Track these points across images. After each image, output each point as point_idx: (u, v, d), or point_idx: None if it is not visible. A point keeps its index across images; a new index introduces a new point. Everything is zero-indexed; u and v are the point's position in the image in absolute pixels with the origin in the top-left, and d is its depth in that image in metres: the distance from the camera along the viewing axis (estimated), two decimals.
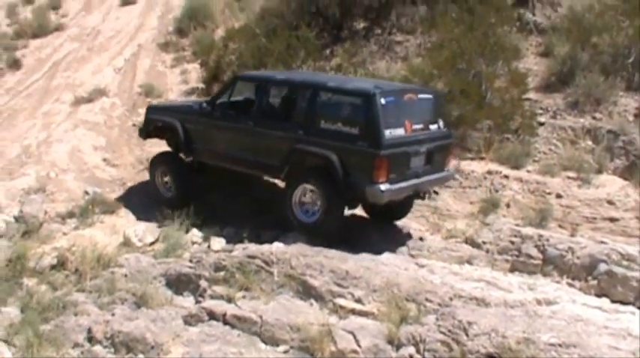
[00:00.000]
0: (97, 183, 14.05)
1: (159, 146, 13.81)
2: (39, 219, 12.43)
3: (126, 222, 12.54)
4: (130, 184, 14.11)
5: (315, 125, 10.93)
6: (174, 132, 12.76)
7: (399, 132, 10.50)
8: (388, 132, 10.23)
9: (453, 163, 12.26)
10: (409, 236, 11.57)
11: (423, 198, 12.09)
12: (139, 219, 12.69)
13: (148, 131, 13.55)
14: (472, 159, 13.34)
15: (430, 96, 11.68)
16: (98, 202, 12.96)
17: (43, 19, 23.47)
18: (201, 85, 17.80)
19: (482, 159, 13.28)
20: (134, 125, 16.05)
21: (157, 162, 13.30)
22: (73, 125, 16.41)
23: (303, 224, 10.98)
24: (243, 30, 18.15)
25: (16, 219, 12.38)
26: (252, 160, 11.85)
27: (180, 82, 18.41)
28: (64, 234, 11.98)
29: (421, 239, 11.41)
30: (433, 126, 11.25)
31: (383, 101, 10.30)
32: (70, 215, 12.80)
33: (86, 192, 13.64)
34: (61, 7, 24.75)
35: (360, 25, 18.22)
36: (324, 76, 13.29)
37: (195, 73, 18.54)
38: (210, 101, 12.52)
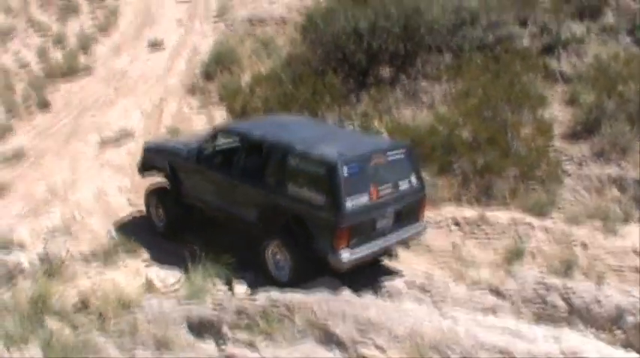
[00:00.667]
0: (122, 225, 14.10)
1: None
2: (62, 259, 12.42)
3: (149, 265, 12.56)
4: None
5: (284, 188, 11.16)
6: (165, 173, 13.46)
7: (363, 199, 10.64)
8: (350, 203, 10.41)
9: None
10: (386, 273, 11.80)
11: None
12: (162, 261, 12.66)
13: (144, 168, 14.15)
14: (497, 207, 13.23)
15: (402, 151, 11.58)
16: (122, 244, 13.01)
17: (73, 60, 23.77)
18: None
19: (507, 207, 13.18)
20: None
21: (151, 195, 13.81)
22: (99, 166, 16.64)
23: (275, 280, 11.19)
24: (269, 75, 18.34)
25: (40, 258, 12.39)
26: (232, 212, 12.24)
27: (206, 126, 18.52)
28: (87, 274, 12.00)
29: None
30: (404, 184, 11.33)
31: (346, 171, 10.42)
32: (94, 256, 12.83)
33: (110, 234, 13.73)
34: (91, 49, 25.07)
35: (386, 71, 18.26)
36: (309, 129, 12.81)
37: (221, 117, 18.58)
38: (196, 149, 12.82)
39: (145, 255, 12.96)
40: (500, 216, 12.91)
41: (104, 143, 17.71)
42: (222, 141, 12.89)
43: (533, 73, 16.21)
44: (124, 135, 17.85)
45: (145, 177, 14.39)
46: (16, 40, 26.58)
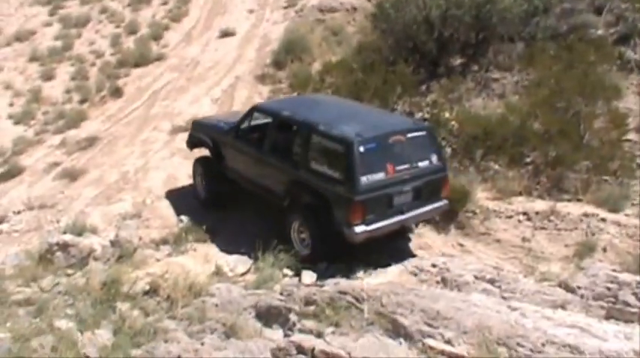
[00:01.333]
0: (192, 211, 14.30)
1: None
2: (133, 244, 12.69)
3: (218, 251, 12.71)
4: (223, 213, 14.23)
5: (307, 164, 11.90)
6: (209, 148, 14.43)
7: (379, 176, 11.25)
8: (365, 179, 11.07)
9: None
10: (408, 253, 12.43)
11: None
12: (231, 248, 12.79)
13: (192, 143, 15.11)
14: (569, 200, 13.03)
15: (423, 133, 12.06)
16: (192, 230, 13.21)
17: (145, 49, 24.23)
18: None
19: (578, 201, 12.95)
20: None
21: (197, 164, 14.75)
22: (170, 153, 16.93)
23: (299, 254, 11.76)
24: (340, 64, 18.32)
25: (112, 243, 12.67)
26: (263, 185, 13.13)
27: None
28: (158, 260, 12.17)
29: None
30: (423, 163, 11.81)
31: (362, 149, 11.08)
32: (164, 241, 13.12)
33: (180, 220, 13.96)
34: (162, 37, 25.43)
35: (457, 61, 18.15)
36: (336, 109, 13.45)
37: None
38: (235, 125, 13.77)
39: (214, 240, 13.12)
40: (571, 209, 12.66)
41: (175, 130, 18.02)
42: (257, 119, 13.64)
43: (608, 64, 15.85)
44: None
45: (192, 151, 15.21)
46: (90, 28, 27.12)
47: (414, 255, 12.31)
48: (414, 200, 11.75)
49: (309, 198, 11.94)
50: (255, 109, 13.80)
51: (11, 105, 21.91)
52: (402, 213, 11.66)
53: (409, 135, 11.80)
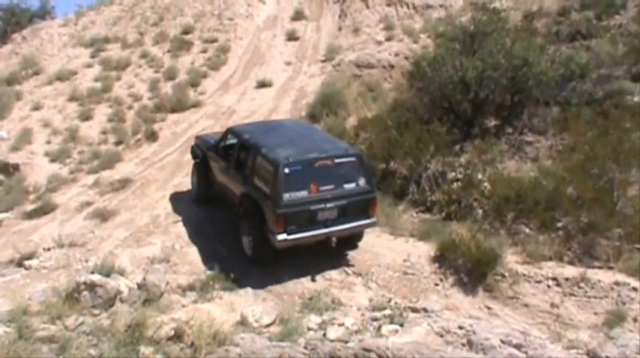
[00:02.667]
0: (220, 259, 14.33)
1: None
2: (160, 288, 12.63)
3: (244, 301, 12.64)
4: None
5: (252, 180, 14.03)
6: (199, 157, 17.09)
7: (302, 194, 13.28)
8: (287, 195, 13.16)
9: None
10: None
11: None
12: (257, 299, 12.83)
13: (193, 154, 17.52)
14: (600, 268, 12.87)
15: (352, 159, 13.87)
16: (219, 278, 13.25)
17: (182, 95, 24.57)
18: None
19: (610, 268, 12.78)
20: None
21: (194, 166, 17.33)
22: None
23: (246, 255, 14.24)
24: (374, 120, 18.41)
25: (139, 286, 12.65)
26: (229, 193, 15.41)
27: None
28: (183, 306, 12.14)
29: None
30: (350, 185, 13.69)
31: (287, 170, 13.18)
32: (191, 288, 13.16)
33: (208, 267, 13.99)
34: (200, 85, 25.78)
35: (492, 122, 18.19)
36: (288, 134, 15.22)
37: None
38: (216, 142, 16.31)
39: (242, 291, 13.12)
40: (602, 277, 12.51)
41: None
42: (230, 138, 15.85)
43: None
44: None
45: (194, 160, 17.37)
46: (130, 72, 27.56)
47: (351, 265, 14.14)
48: (339, 216, 13.63)
49: (252, 208, 13.92)
50: (229, 131, 16.15)
51: (48, 142, 22.28)
52: (327, 226, 13.55)
53: (337, 160, 13.70)
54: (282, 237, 13.17)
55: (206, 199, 16.77)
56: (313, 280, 13.73)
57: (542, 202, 14.12)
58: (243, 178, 14.45)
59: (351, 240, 14.68)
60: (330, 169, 13.59)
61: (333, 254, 14.17)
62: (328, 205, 13.44)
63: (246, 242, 14.22)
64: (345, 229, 13.80)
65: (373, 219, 14.13)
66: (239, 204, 14.60)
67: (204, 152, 16.77)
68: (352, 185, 13.70)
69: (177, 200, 17.38)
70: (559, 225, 13.90)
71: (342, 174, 13.68)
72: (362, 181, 13.77)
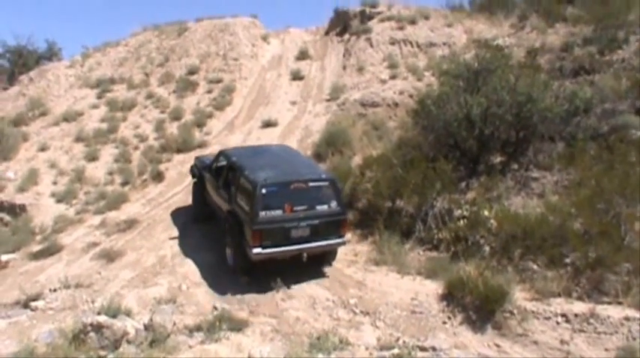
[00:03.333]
0: (227, 299, 14.33)
1: None
2: (167, 329, 12.64)
3: (251, 341, 12.63)
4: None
5: (236, 198, 15.48)
6: (196, 176, 18.98)
7: (277, 213, 14.68)
8: (263, 213, 14.58)
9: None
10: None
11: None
12: (264, 339, 12.77)
13: (192, 173, 19.35)
14: (609, 303, 12.77)
15: (325, 183, 15.25)
16: (226, 318, 13.16)
17: (188, 135, 24.67)
18: None
19: (619, 304, 12.69)
20: None
21: (193, 185, 19.05)
22: (209, 240, 17.00)
23: (228, 265, 15.69)
24: (380, 158, 18.36)
25: (146, 327, 12.65)
26: (218, 209, 17.00)
27: None
28: (190, 347, 12.17)
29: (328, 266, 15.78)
30: (322, 206, 15.02)
31: (264, 191, 14.64)
32: (198, 328, 13.05)
33: (215, 307, 13.99)
34: (206, 125, 25.87)
35: (497, 159, 18.16)
36: (270, 158, 16.89)
37: None
38: (210, 163, 18.06)
39: (249, 331, 13.04)
40: (612, 312, 12.43)
41: None
42: (221, 160, 17.46)
43: None
44: None
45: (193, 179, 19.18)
46: (135, 112, 27.71)
47: (326, 275, 15.45)
48: (311, 235, 14.91)
49: (235, 224, 15.31)
50: (220, 153, 17.83)
51: (55, 183, 22.37)
52: (300, 243, 14.85)
53: (311, 184, 15.13)
54: (257, 250, 14.60)
55: (202, 218, 18.18)
56: (289, 288, 14.85)
57: (550, 238, 14.08)
58: (229, 197, 15.94)
59: (325, 258, 15.82)
60: (304, 191, 15.03)
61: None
62: (301, 224, 14.82)
63: (229, 253, 15.69)
64: (316, 247, 15.10)
65: (344, 239, 15.49)
66: (224, 220, 16.08)
67: (201, 172, 18.57)
68: (324, 207, 15.09)
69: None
70: (567, 260, 13.84)
71: (315, 196, 15.09)
72: (334, 203, 15.12)
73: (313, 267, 15.36)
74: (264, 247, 14.66)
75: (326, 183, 15.25)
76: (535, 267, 13.95)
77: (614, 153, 16.08)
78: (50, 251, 17.43)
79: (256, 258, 14.68)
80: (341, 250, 15.88)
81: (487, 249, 14.59)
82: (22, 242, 18.48)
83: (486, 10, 32.74)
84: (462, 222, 15.44)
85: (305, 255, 15.02)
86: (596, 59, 22.19)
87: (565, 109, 17.48)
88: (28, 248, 18.11)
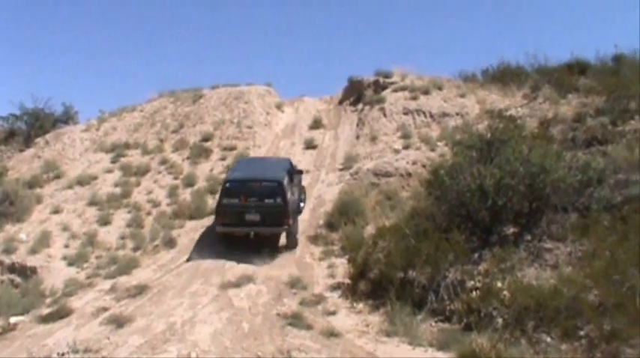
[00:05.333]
0: None
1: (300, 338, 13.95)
2: None
3: None
4: None
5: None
6: None
7: (235, 201, 20.58)
8: (225, 201, 20.68)
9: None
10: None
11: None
12: None
13: None
14: None
15: (274, 184, 20.76)
16: None
17: (201, 202, 24.85)
18: (347, 281, 17.85)
19: None
20: (278, 314, 16.16)
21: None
22: (219, 308, 16.75)
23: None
24: (393, 229, 18.31)
25: None
26: None
27: (326, 276, 18.59)
28: None
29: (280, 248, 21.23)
30: (269, 200, 20.50)
31: (228, 185, 20.94)
32: None
33: None
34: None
35: (510, 230, 18.05)
36: (256, 166, 23.54)
37: (342, 268, 18.67)
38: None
39: None
40: None
41: (225, 285, 18.03)
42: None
43: None
44: (245, 279, 18.18)
45: None
46: (149, 178, 27.89)
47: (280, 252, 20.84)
48: (261, 220, 20.48)
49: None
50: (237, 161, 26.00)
51: (67, 246, 22.44)
52: (251, 226, 20.72)
53: (264, 183, 20.89)
54: (220, 228, 20.91)
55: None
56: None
57: (564, 310, 13.89)
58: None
59: (272, 240, 21.23)
60: (257, 188, 20.74)
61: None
62: (253, 211, 20.46)
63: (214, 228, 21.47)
64: (265, 230, 20.81)
65: (285, 227, 20.63)
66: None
67: None
68: (271, 200, 20.48)
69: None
70: (581, 333, 13.62)
71: (264, 192, 20.63)
72: (279, 199, 20.44)
73: None
74: (224, 226, 20.72)
75: (275, 184, 20.71)
76: (549, 339, 13.73)
77: (628, 224, 15.96)
78: (59, 314, 17.29)
79: (219, 232, 21.01)
80: (352, 320, 15.76)
81: (500, 320, 14.39)
82: (32, 304, 18.40)
83: (499, 81, 33.18)
84: (474, 293, 15.29)
85: (252, 233, 20.99)
86: (608, 130, 22.35)
87: (578, 180, 17.47)
88: (37, 310, 18.00)
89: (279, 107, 35.12)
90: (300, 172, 25.15)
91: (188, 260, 20.67)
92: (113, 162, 29.93)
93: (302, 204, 23.66)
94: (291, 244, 21.03)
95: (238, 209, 20.30)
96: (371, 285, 17.20)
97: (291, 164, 23.93)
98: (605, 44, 76.94)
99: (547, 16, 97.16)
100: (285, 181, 21.08)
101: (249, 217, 20.34)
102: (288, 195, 20.77)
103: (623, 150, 20.10)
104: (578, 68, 30.97)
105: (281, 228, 20.56)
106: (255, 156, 27.95)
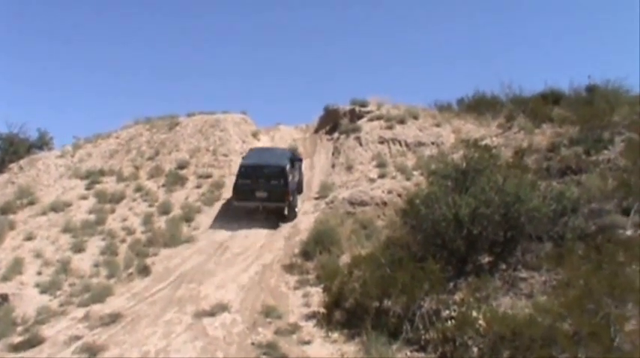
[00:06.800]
0: None
1: None
2: None
3: None
4: None
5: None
6: None
7: (248, 181, 25.67)
8: (241, 181, 25.86)
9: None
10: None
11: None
12: None
13: None
14: None
15: (279, 169, 25.78)
16: None
17: (176, 229, 24.78)
18: (322, 310, 17.69)
19: None
20: (253, 343, 16.03)
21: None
22: (193, 337, 16.60)
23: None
24: (368, 258, 18.21)
25: None
26: None
27: (301, 305, 18.46)
28: None
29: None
30: (274, 181, 25.49)
31: (243, 169, 26.07)
32: None
33: None
34: (194, 220, 26.05)
35: (485, 259, 18.13)
36: (266, 154, 28.50)
37: (317, 297, 18.56)
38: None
39: None
40: None
41: (199, 314, 17.85)
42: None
43: (637, 264, 15.70)
44: (220, 308, 17.98)
45: None
46: (124, 205, 27.75)
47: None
48: (267, 197, 25.48)
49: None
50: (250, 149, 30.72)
51: (39, 273, 22.24)
52: (260, 201, 25.63)
53: (270, 168, 25.84)
54: (236, 203, 26.04)
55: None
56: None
57: (539, 339, 13.87)
58: None
59: (278, 213, 25.86)
60: (265, 171, 25.82)
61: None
62: (261, 189, 25.52)
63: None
64: (270, 205, 25.69)
65: (285, 203, 25.62)
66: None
67: None
68: (276, 182, 25.54)
69: None
70: None
71: (270, 175, 25.68)
72: (282, 181, 25.53)
73: None
74: (238, 201, 25.90)
75: (279, 169, 25.81)
76: None
77: (602, 253, 16.08)
78: (31, 343, 17.06)
79: (236, 205, 26.03)
80: (327, 350, 15.70)
81: (475, 350, 14.38)
82: (3, 333, 18.08)
83: (474, 111, 33.52)
84: (450, 322, 15.29)
85: (261, 207, 25.81)
86: (582, 159, 22.62)
87: (552, 209, 17.59)
88: (8, 339, 17.71)
89: (255, 135, 35.20)
90: (300, 160, 30.17)
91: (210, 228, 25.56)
92: (88, 188, 29.73)
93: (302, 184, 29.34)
94: (291, 216, 25.98)
95: (250, 187, 25.58)
96: (346, 314, 17.11)
97: (292, 154, 29.37)
98: (579, 75, 77.81)
99: (521, 47, 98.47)
100: (287, 167, 26.18)
101: (259, 194, 25.52)
102: (290, 177, 25.92)
103: (597, 179, 20.32)
104: (553, 98, 31.42)
105: (283, 203, 25.62)
106: (263, 147, 32.65)
